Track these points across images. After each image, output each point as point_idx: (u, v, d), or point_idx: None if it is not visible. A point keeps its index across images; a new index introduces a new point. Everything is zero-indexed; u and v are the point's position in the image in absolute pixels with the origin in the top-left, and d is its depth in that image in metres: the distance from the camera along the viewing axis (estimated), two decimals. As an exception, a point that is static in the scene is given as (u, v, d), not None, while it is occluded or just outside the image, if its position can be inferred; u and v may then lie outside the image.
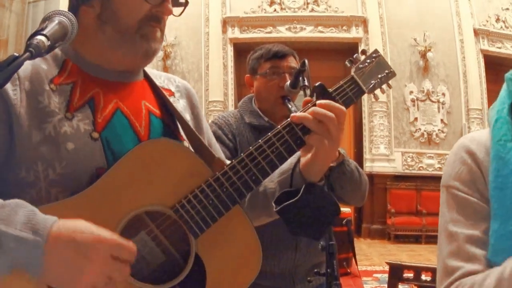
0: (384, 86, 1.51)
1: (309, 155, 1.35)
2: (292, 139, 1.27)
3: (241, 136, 2.35)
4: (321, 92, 1.34)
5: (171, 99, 1.43)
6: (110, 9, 1.29)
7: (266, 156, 1.25)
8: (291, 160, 1.35)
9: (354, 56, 1.48)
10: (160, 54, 11.50)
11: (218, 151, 1.59)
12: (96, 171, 1.20)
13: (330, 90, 1.37)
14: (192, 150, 1.36)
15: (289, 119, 1.29)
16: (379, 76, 1.47)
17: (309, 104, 1.32)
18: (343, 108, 1.31)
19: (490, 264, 1.10)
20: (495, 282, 1.04)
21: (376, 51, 1.52)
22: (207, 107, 11.71)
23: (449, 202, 1.21)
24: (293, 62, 2.40)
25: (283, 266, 2.27)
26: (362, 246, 10.57)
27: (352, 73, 1.43)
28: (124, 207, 1.16)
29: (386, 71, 1.50)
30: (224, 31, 11.91)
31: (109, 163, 1.21)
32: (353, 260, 4.56)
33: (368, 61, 1.47)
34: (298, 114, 1.29)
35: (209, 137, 1.56)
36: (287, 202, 1.31)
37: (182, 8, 1.41)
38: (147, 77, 1.44)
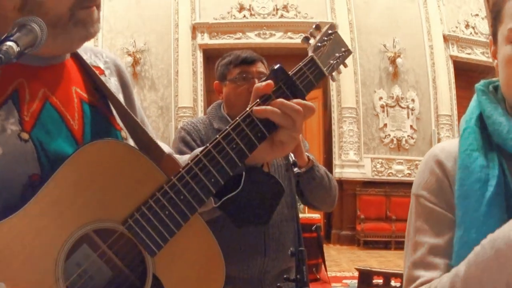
0: (341, 66, 1.41)
1: (264, 145, 1.21)
2: (252, 133, 1.15)
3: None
4: (281, 76, 1.21)
5: (102, 79, 1.26)
6: (34, 0, 1.09)
7: (225, 154, 1.13)
8: None
9: (309, 32, 1.35)
10: (130, 60, 11.53)
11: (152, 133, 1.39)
12: (29, 179, 1.05)
13: (290, 73, 1.24)
14: (133, 141, 1.23)
15: (247, 110, 1.17)
16: (337, 55, 1.36)
17: (272, 95, 1.19)
18: (313, 106, 1.20)
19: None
20: (450, 281, 1.07)
21: (332, 26, 1.39)
22: (177, 113, 11.72)
23: (417, 211, 1.23)
24: (262, 68, 2.41)
25: (252, 272, 2.25)
26: (331, 252, 10.58)
27: (311, 53, 1.30)
28: (70, 225, 1.02)
29: (343, 49, 1.38)
30: (194, 37, 11.91)
31: (43, 168, 1.06)
32: (323, 266, 4.57)
33: (325, 38, 1.35)
34: (263, 108, 1.16)
35: (142, 117, 1.40)
36: (228, 196, 1.20)
37: None
38: (74, 54, 1.26)
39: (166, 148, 1.34)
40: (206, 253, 1.13)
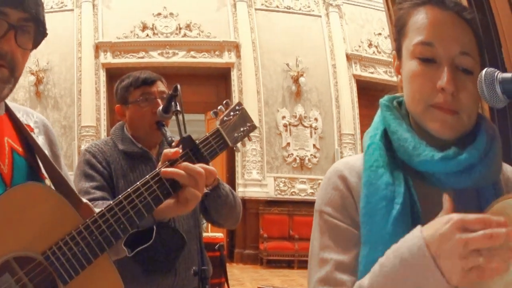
0: (245, 139, 1.60)
1: (171, 201, 1.40)
2: (160, 190, 1.34)
3: (116, 164, 2.35)
4: (188, 144, 1.43)
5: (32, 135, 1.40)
6: None
7: (134, 205, 1.31)
8: None
9: (218, 107, 1.54)
10: (32, 79, 11.47)
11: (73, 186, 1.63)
12: None
13: (197, 142, 1.44)
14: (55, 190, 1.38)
15: (157, 170, 1.36)
16: (242, 129, 1.55)
17: (179, 159, 1.39)
18: (215, 170, 1.44)
19: None
20: None
21: (239, 103, 1.60)
22: (80, 132, 11.67)
23: (321, 227, 1.19)
24: (162, 87, 2.44)
25: None
26: (234, 271, 10.60)
27: (218, 126, 1.50)
28: None
29: (248, 124, 1.58)
30: (97, 56, 11.90)
31: None
32: (226, 285, 4.55)
33: (232, 113, 1.54)
34: (170, 170, 1.36)
35: (66, 175, 1.51)
36: (141, 247, 1.39)
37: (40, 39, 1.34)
38: (8, 111, 1.38)
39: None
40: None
